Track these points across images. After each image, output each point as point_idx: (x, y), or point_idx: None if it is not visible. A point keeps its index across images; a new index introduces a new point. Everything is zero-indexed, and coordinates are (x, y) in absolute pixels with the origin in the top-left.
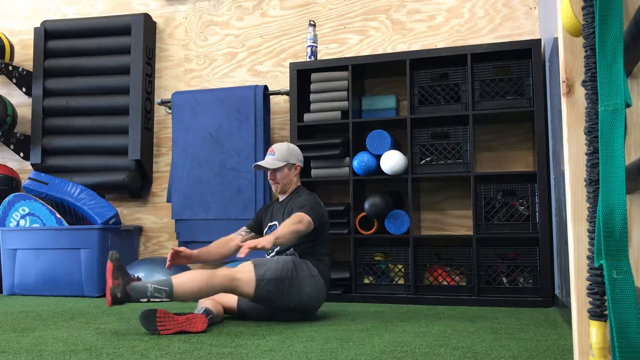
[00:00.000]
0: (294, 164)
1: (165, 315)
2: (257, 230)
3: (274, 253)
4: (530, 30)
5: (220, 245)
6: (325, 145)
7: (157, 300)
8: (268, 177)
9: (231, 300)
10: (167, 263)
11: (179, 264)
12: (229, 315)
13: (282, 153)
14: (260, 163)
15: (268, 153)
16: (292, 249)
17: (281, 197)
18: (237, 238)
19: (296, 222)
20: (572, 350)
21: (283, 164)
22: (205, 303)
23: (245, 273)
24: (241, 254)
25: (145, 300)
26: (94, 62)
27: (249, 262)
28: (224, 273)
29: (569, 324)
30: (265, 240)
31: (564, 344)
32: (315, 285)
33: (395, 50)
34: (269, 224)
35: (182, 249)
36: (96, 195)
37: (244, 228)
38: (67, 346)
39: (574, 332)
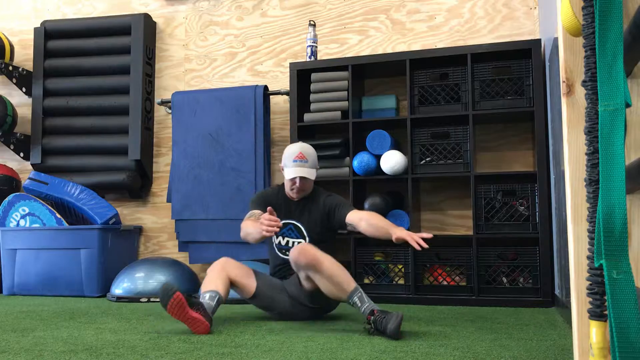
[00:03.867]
0: (318, 168)
1: (179, 301)
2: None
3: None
4: (530, 30)
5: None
6: (325, 145)
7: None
8: (296, 186)
9: (250, 284)
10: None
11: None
12: (242, 297)
13: (313, 160)
14: (304, 174)
15: (297, 159)
16: None
17: (296, 197)
18: (258, 218)
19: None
20: (572, 350)
21: (315, 171)
22: (218, 286)
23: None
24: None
25: (145, 300)
26: (94, 62)
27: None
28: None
29: (569, 324)
30: (407, 233)
31: (564, 344)
32: None
33: (395, 50)
34: (284, 221)
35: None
36: (96, 195)
37: (257, 211)
38: (67, 346)
39: (574, 332)
